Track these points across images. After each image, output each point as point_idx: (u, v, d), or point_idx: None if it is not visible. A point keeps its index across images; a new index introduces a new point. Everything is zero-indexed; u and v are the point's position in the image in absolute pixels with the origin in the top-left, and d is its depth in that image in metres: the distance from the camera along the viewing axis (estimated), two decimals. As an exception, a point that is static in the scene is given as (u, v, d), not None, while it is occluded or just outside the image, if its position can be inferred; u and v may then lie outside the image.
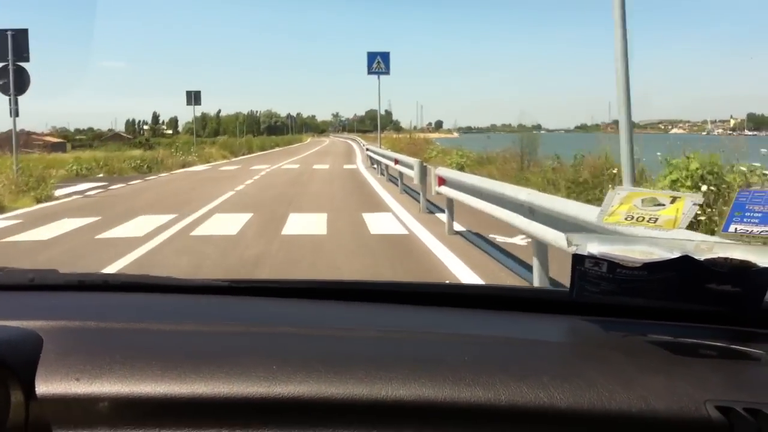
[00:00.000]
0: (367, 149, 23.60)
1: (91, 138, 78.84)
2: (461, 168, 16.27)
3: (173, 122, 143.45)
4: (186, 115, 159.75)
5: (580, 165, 10.22)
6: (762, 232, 0.80)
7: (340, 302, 1.08)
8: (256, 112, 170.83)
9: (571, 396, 0.68)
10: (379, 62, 21.91)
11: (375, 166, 19.33)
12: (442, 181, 7.31)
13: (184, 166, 23.66)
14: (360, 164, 23.83)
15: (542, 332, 0.92)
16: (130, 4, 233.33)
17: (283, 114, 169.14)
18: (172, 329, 0.88)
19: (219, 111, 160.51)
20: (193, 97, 31.10)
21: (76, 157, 24.13)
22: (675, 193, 0.87)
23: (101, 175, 19.44)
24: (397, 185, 13.09)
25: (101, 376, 0.72)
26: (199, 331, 0.88)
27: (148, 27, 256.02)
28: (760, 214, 0.81)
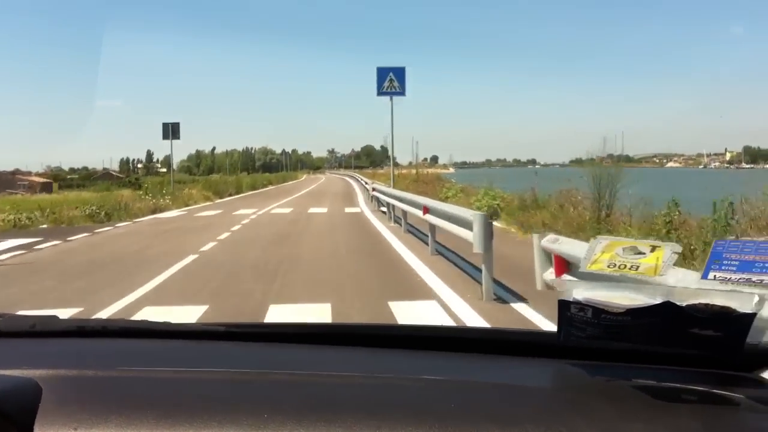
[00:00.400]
0: (373, 189, 19.63)
1: (84, 177, 77.47)
2: (494, 213, 12.88)
3: (167, 161, 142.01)
4: (182, 152, 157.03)
5: (727, 217, 6.41)
6: (740, 279, 0.83)
7: (332, 347, 1.10)
8: (251, 149, 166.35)
9: None
10: (392, 80, 17.32)
11: (383, 209, 16.01)
12: (562, 266, 3.66)
13: (155, 212, 19.33)
14: (363, 206, 20.09)
15: (529, 377, 0.94)
16: (126, 40, 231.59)
17: (279, 151, 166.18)
18: (167, 377, 0.91)
19: (214, 148, 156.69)
20: (171, 130, 27.45)
21: (15, 202, 20.38)
22: (655, 242, 0.92)
23: (45, 225, 15.50)
24: (416, 236, 10.32)
25: (98, 425, 0.74)
26: (193, 378, 0.90)
27: (146, 64, 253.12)
28: (737, 262, 0.84)
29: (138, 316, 5.23)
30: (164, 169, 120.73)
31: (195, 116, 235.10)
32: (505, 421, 0.73)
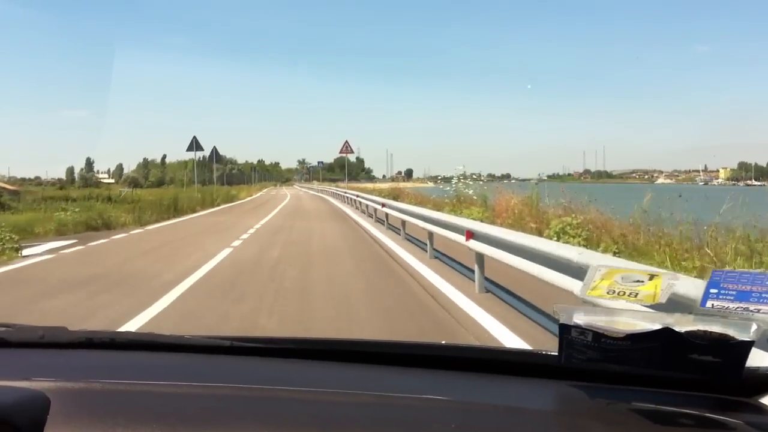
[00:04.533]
0: (383, 205, 14.04)
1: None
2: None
3: (119, 170, 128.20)
4: (130, 160, 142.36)
5: None
6: (738, 308, 0.85)
7: (336, 364, 1.11)
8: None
9: None
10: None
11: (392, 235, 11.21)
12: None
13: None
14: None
15: (530, 399, 0.96)
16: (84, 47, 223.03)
17: (242, 161, 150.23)
18: (173, 391, 0.91)
19: (164, 156, 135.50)
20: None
21: None
22: (653, 270, 0.96)
23: None
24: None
25: None
26: (199, 393, 0.91)
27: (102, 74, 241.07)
28: (734, 292, 0.86)
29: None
30: (111, 180, 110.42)
31: (152, 122, 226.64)
32: None
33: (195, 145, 27.51)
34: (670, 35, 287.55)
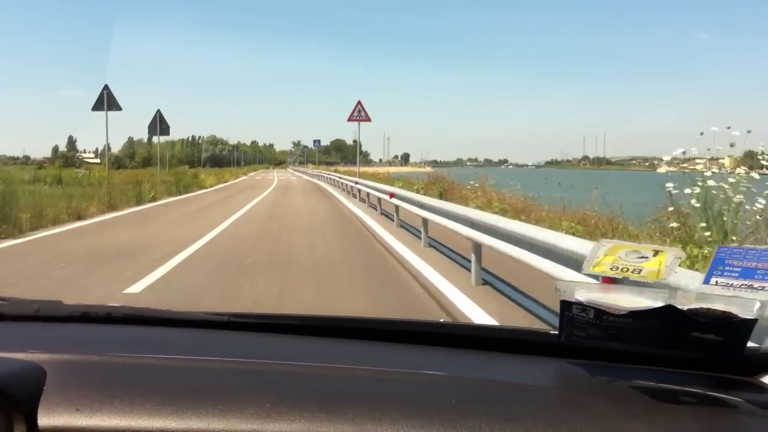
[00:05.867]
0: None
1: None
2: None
3: (108, 150, 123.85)
4: (123, 140, 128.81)
5: None
6: (742, 285, 0.84)
7: (335, 339, 1.11)
8: (199, 138, 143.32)
9: None
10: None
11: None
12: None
13: None
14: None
15: (530, 375, 0.95)
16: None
17: (233, 141, 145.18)
18: (171, 364, 0.91)
19: (151, 136, 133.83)
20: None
21: None
22: (658, 247, 0.94)
23: None
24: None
25: (101, 409, 0.74)
26: (196, 366, 0.90)
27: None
28: (739, 269, 0.85)
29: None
30: (96, 159, 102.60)
31: (145, 100, 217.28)
32: (505, 417, 0.74)
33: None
34: (671, 21, 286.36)
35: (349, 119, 20.29)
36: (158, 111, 22.57)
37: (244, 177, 52.38)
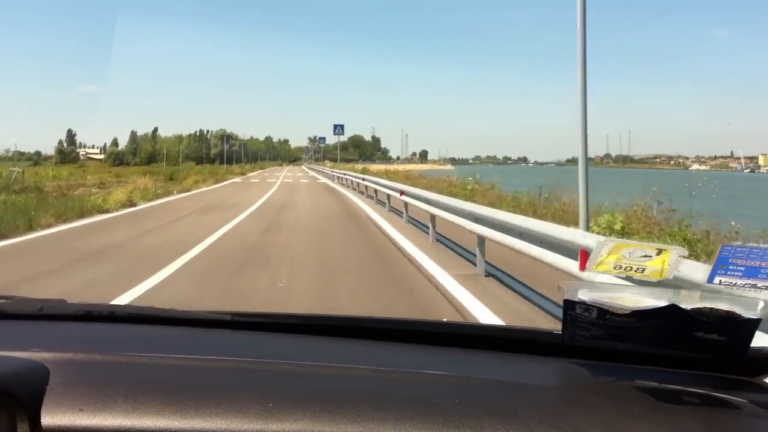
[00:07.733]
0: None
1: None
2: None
3: (115, 144, 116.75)
4: (122, 134, 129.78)
5: None
6: (745, 284, 0.83)
7: (338, 339, 1.10)
8: (207, 132, 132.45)
9: None
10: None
11: None
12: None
13: None
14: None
15: (533, 375, 0.95)
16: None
17: (247, 136, 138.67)
18: (174, 363, 0.91)
19: (155, 129, 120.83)
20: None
21: None
22: (661, 246, 0.93)
23: None
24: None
25: (105, 409, 0.74)
26: (199, 366, 0.91)
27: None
28: (743, 268, 0.84)
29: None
30: (100, 155, 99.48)
31: (155, 96, 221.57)
32: (508, 417, 0.74)
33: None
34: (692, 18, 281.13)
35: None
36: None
37: (239, 178, 39.55)
